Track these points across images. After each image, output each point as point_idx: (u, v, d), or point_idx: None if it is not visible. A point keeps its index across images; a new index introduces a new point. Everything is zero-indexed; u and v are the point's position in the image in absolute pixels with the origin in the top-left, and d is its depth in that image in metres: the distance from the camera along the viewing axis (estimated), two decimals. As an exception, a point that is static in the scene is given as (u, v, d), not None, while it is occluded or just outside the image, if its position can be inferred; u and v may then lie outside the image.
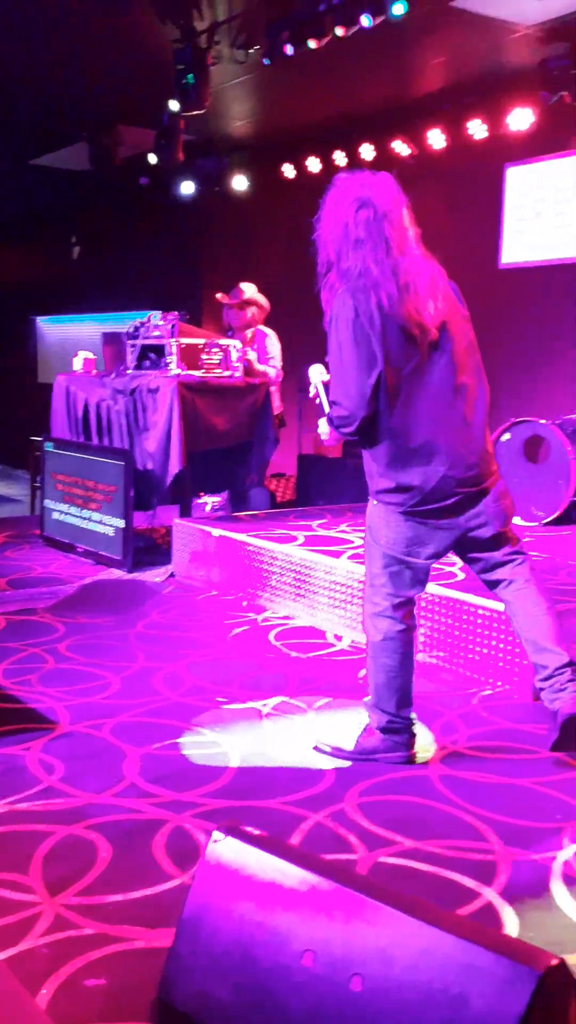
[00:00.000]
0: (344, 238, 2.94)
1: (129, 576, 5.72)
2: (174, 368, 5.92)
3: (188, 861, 2.48)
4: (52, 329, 13.56)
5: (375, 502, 3.08)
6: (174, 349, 5.95)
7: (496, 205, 7.41)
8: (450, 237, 7.91)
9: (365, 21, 5.08)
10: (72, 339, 11.89)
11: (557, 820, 2.79)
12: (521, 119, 6.88)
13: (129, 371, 6.21)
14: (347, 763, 3.14)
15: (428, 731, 3.42)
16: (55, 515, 6.53)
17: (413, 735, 3.18)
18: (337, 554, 4.92)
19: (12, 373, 13.83)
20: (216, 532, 5.61)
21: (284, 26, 5.57)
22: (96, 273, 12.00)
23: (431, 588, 4.27)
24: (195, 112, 6.75)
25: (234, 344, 6.17)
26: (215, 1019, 1.69)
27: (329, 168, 8.60)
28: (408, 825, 2.74)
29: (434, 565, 3.14)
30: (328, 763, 3.15)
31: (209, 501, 7.79)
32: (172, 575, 5.75)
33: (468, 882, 2.44)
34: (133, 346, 6.23)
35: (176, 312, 6.04)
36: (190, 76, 6.43)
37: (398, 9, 4.99)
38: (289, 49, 5.55)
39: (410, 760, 3.15)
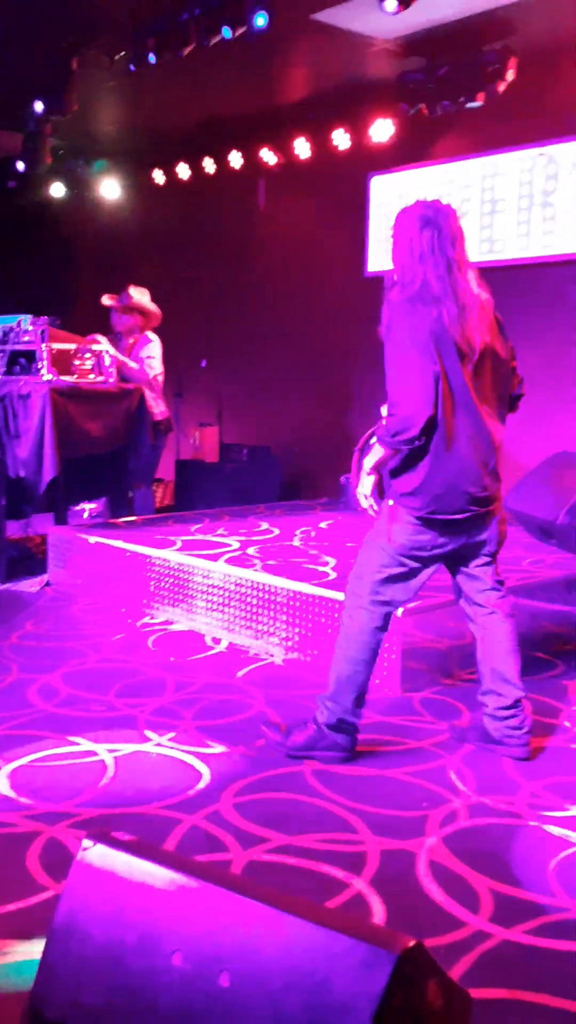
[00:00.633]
0: (408, 254, 3.01)
1: (2, 587, 5.62)
2: (45, 374, 5.85)
3: (62, 872, 2.45)
4: None
5: (391, 502, 3.15)
6: (45, 354, 5.87)
7: (362, 214, 7.59)
8: (319, 245, 8.09)
9: (225, 33, 5.14)
10: None
11: (424, 808, 2.90)
12: (383, 130, 7.07)
13: (-2, 377, 6.09)
14: (223, 762, 3.19)
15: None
16: None
17: (355, 738, 3.25)
18: (215, 557, 4.97)
19: None
20: (92, 539, 5.57)
21: (148, 34, 5.57)
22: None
23: (302, 587, 4.37)
24: (61, 116, 6.68)
25: (107, 349, 6.14)
26: (87, 1025, 1.71)
27: (199, 174, 8.64)
28: (281, 822, 2.80)
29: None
30: (204, 766, 3.19)
31: (86, 508, 7.72)
32: (48, 584, 5.68)
33: (339, 873, 2.52)
34: (2, 351, 6.11)
35: (46, 317, 5.96)
36: (56, 79, 6.37)
37: (260, 21, 5.07)
38: (152, 57, 5.56)
39: (348, 760, 3.22)
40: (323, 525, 6.22)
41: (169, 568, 5.05)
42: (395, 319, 2.98)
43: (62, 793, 2.97)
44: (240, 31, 5.19)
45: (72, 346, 6.03)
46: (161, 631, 4.83)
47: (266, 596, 4.53)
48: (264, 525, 6.15)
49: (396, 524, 3.12)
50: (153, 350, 6.44)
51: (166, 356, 6.57)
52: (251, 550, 5.25)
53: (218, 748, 3.34)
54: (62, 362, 5.93)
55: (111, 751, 3.30)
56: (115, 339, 6.55)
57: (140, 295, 6.48)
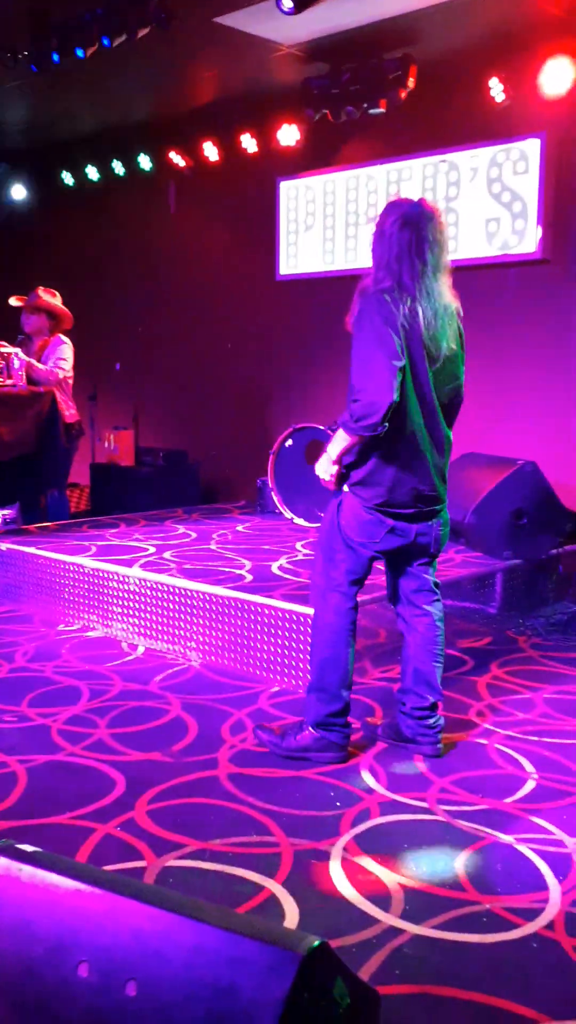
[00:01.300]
0: (387, 250, 3.02)
1: None
2: (-48, 380, 5.73)
3: (-28, 887, 2.43)
4: None
5: (345, 489, 3.18)
6: (-49, 360, 5.76)
7: (272, 218, 7.61)
8: (231, 248, 8.10)
9: (127, 34, 5.10)
10: None
11: (337, 808, 2.94)
12: (289, 135, 7.11)
13: None
14: (137, 770, 3.18)
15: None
16: None
17: (347, 735, 3.27)
18: (131, 562, 4.94)
19: None
20: (4, 546, 5.49)
21: (51, 34, 5.51)
22: None
23: (218, 591, 4.38)
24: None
25: (15, 352, 6.04)
26: (-6, 1042, 1.69)
27: (108, 177, 8.56)
28: (196, 827, 2.81)
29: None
30: (119, 773, 3.17)
31: (0, 514, 7.58)
32: (-42, 594, 5.57)
33: (253, 876, 2.54)
34: None
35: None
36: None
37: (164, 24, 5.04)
38: (55, 57, 5.49)
39: (343, 760, 3.24)
40: (240, 528, 6.23)
41: (84, 574, 5.00)
42: (367, 308, 2.99)
43: (-28, 808, 2.92)
44: (144, 32, 5.16)
45: (-21, 350, 5.92)
46: (76, 638, 4.78)
47: (182, 600, 4.52)
48: (181, 529, 6.13)
49: (349, 509, 3.17)
50: (64, 352, 6.36)
51: (79, 359, 6.50)
52: (167, 554, 5.23)
53: (133, 755, 3.32)
54: (-31, 367, 5.82)
55: (22, 762, 3.25)
56: (24, 341, 6.45)
57: (49, 296, 6.40)
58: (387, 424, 2.96)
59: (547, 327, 6.27)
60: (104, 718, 3.67)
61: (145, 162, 8.18)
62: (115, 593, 4.84)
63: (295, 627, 4.03)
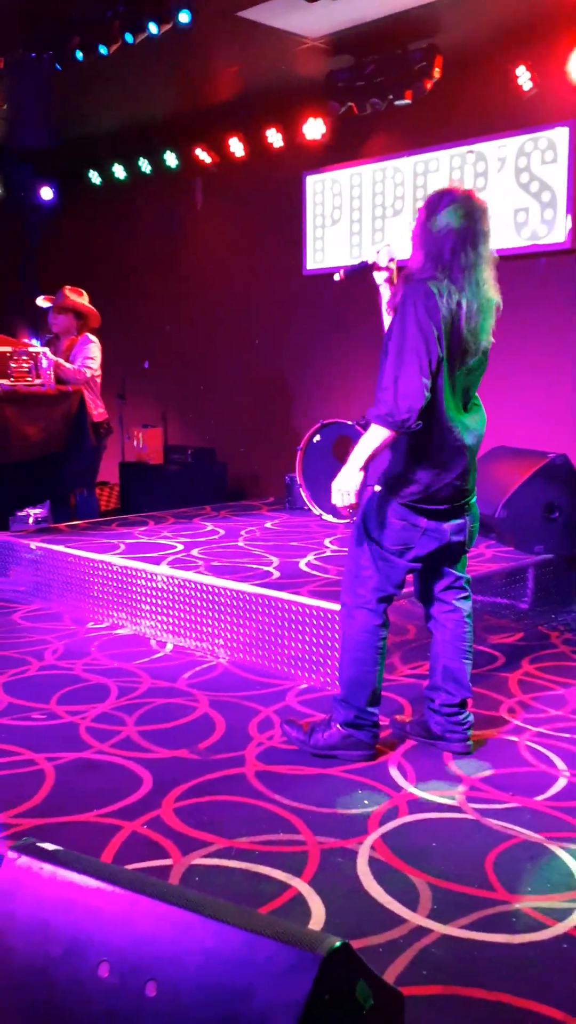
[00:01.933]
0: (439, 241, 2.96)
1: (-57, 597, 5.53)
2: (-19, 379, 5.77)
3: (-2, 886, 2.43)
4: None
5: (378, 488, 3.11)
6: (-21, 360, 5.79)
7: (298, 212, 7.58)
8: (257, 244, 8.07)
9: (153, 28, 5.09)
10: None
11: (365, 806, 2.91)
12: (315, 128, 7.07)
13: None
14: (164, 767, 3.17)
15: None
16: None
17: (376, 734, 3.24)
18: (159, 560, 4.93)
19: None
20: (34, 545, 5.51)
21: (73, 32, 5.51)
22: None
23: (246, 588, 4.36)
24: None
25: (44, 351, 6.06)
26: (14, 1043, 1.68)
27: (135, 175, 8.58)
28: (223, 825, 2.79)
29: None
30: (146, 771, 3.16)
31: (32, 513, 7.63)
32: (-11, 593, 5.61)
33: (279, 875, 2.51)
34: None
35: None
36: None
37: (184, 18, 5.03)
38: (79, 55, 5.50)
39: (371, 758, 3.22)
40: (268, 525, 6.21)
41: (112, 572, 5.00)
42: (413, 297, 2.92)
43: (0, 804, 2.93)
44: (166, 28, 5.15)
45: (8, 349, 5.95)
46: (106, 636, 4.79)
47: (210, 597, 4.51)
48: (209, 526, 6.13)
49: (381, 516, 3.09)
50: (92, 351, 6.38)
51: (108, 358, 6.52)
52: (195, 552, 5.22)
53: (160, 753, 3.31)
54: (-2, 365, 5.85)
55: (50, 760, 3.26)
56: (52, 340, 6.48)
57: (75, 296, 6.42)
58: (420, 422, 2.91)
59: (578, 318, 6.18)
60: (132, 716, 3.67)
61: (171, 159, 8.19)
62: (144, 591, 4.84)
63: (323, 624, 4.00)
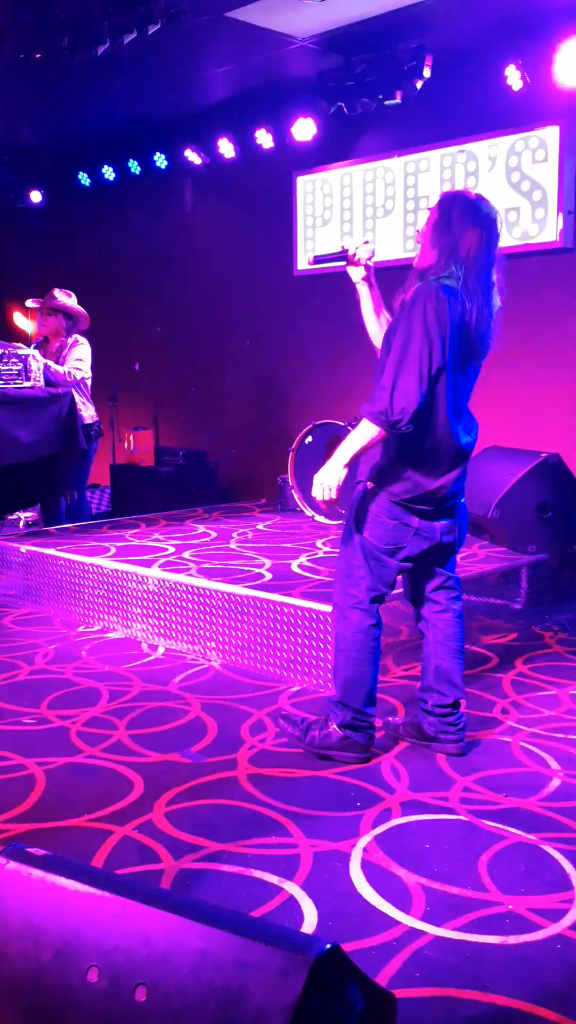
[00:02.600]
0: (454, 245, 2.96)
1: None
2: (-30, 382, 5.73)
3: (-13, 891, 2.41)
4: None
5: (370, 484, 3.09)
6: (-31, 363, 5.75)
7: (289, 213, 7.56)
8: (247, 247, 8.06)
9: (140, 30, 5.07)
10: None
11: (357, 808, 2.89)
12: (305, 129, 7.05)
13: None
14: (156, 771, 3.15)
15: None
16: None
17: (372, 736, 3.22)
18: (150, 563, 4.91)
19: None
20: (24, 548, 5.48)
21: (62, 33, 5.48)
22: None
23: (239, 590, 4.34)
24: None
25: (33, 353, 6.03)
26: (4, 1050, 1.66)
27: (124, 176, 8.56)
28: (214, 828, 2.77)
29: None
30: (137, 775, 3.14)
31: (22, 517, 7.60)
32: (-20, 597, 5.57)
33: (271, 878, 2.49)
34: None
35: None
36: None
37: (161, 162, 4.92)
38: (69, 56, 5.47)
39: (366, 760, 3.20)
40: (261, 527, 6.19)
41: (103, 575, 4.98)
42: (424, 297, 2.91)
43: (-11, 810, 2.90)
44: (155, 28, 5.13)
45: (-4, 352, 5.92)
46: (97, 639, 4.76)
47: (201, 600, 4.49)
48: (201, 528, 6.11)
49: (372, 516, 3.08)
50: (82, 353, 6.34)
51: (98, 360, 6.48)
52: (187, 554, 5.20)
53: (152, 757, 3.29)
54: (-14, 369, 5.82)
55: (40, 764, 3.23)
56: (42, 342, 6.44)
57: (65, 297, 6.38)
58: (412, 425, 2.90)
59: (570, 316, 6.18)
60: (123, 719, 3.65)
61: (161, 160, 8.16)
62: (135, 594, 4.81)
63: (315, 625, 3.98)
